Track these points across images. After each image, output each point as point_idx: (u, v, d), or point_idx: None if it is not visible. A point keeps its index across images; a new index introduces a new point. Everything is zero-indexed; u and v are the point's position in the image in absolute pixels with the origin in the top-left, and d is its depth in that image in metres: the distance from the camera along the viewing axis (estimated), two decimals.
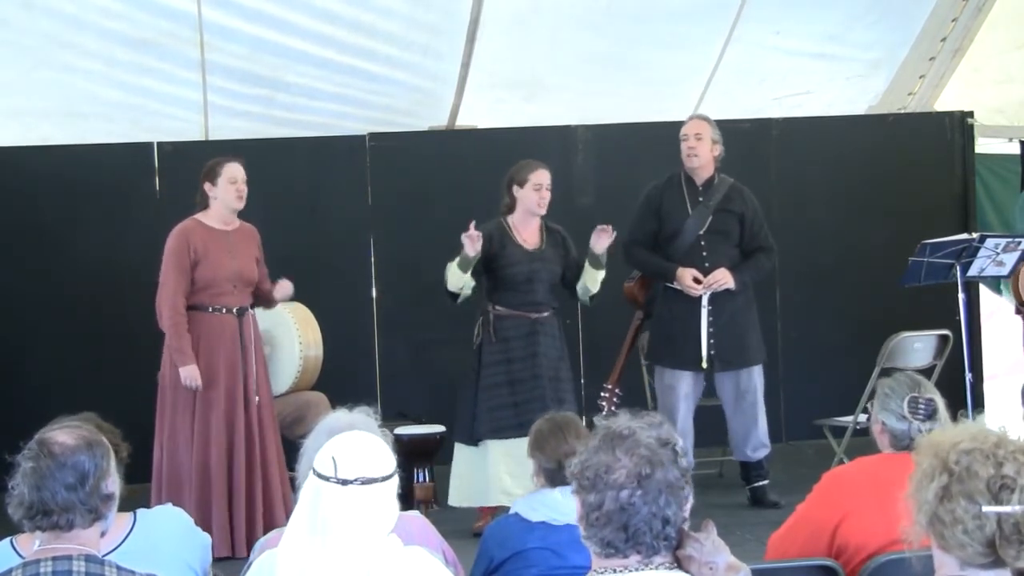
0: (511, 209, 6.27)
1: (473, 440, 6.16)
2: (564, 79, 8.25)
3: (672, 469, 2.24)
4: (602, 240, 6.13)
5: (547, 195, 6.22)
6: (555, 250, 6.28)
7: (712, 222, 6.54)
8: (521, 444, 5.99)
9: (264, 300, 6.25)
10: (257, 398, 5.99)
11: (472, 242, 5.99)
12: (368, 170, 8.11)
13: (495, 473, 6.07)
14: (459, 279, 6.11)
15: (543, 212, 6.24)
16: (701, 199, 6.56)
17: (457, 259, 6.07)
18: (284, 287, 6.25)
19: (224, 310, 5.95)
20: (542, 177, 6.21)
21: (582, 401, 6.18)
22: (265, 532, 5.84)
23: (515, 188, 6.23)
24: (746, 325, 6.57)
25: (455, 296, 6.22)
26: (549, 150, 8.03)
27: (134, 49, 7.39)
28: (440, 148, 8.25)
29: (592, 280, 6.24)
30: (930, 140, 8.70)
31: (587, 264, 6.22)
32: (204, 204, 6.02)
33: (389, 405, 7.40)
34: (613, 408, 6.38)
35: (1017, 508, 2.05)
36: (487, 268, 6.22)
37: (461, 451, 6.23)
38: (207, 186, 5.99)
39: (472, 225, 6.02)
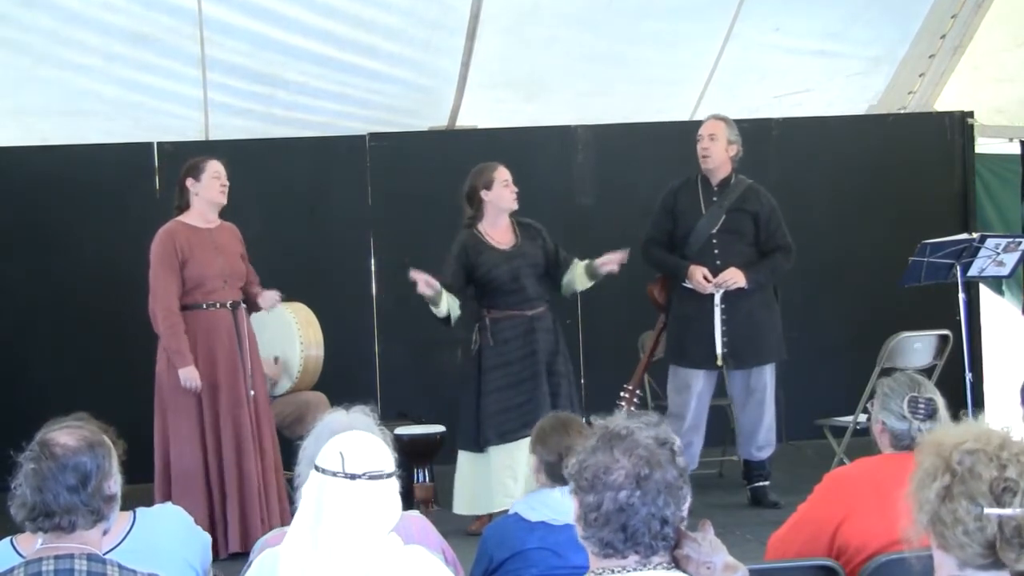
0: (476, 218, 6.27)
1: (479, 447, 6.15)
2: (564, 79, 8.25)
3: (670, 469, 2.23)
4: (611, 267, 6.19)
5: (515, 189, 6.25)
6: (532, 243, 6.28)
7: (725, 221, 6.55)
8: (525, 445, 6.06)
9: (249, 305, 6.19)
10: (252, 392, 5.99)
11: (424, 286, 5.98)
12: (368, 170, 8.11)
13: (498, 479, 6.07)
14: (439, 310, 6.14)
15: (517, 206, 6.26)
16: (715, 199, 6.57)
17: (426, 299, 6.09)
18: (270, 297, 6.17)
19: (218, 305, 5.94)
20: (506, 174, 6.25)
21: (581, 397, 6.19)
22: (263, 526, 5.88)
23: (484, 193, 6.23)
24: (761, 323, 6.57)
25: (447, 320, 6.22)
26: (549, 150, 8.06)
27: (134, 45, 7.39)
28: (440, 148, 8.25)
29: (582, 283, 6.31)
30: (930, 140, 8.70)
31: (583, 270, 6.25)
32: (185, 203, 6.01)
33: (389, 405, 7.41)
34: (633, 409, 6.38)
35: (1019, 511, 2.05)
36: (471, 279, 6.23)
37: (465, 457, 6.22)
38: (189, 182, 5.98)
39: (415, 276, 5.96)
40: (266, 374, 6.74)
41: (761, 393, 6.59)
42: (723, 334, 6.45)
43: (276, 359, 6.86)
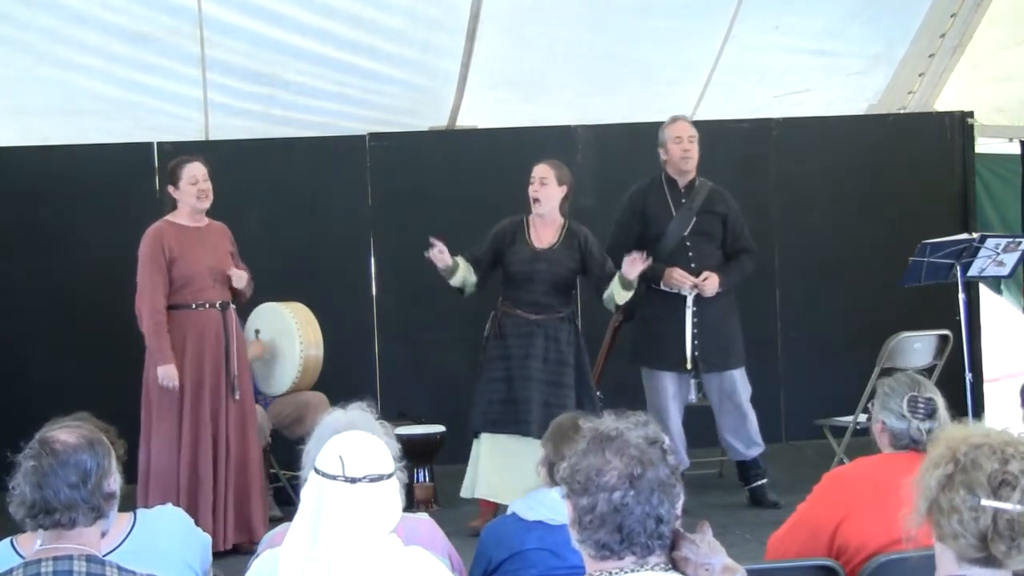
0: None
1: (473, 431, 6.20)
2: (564, 79, 8.25)
3: (662, 467, 2.23)
4: (635, 268, 6.06)
5: (541, 187, 6.19)
6: (569, 251, 6.23)
7: (696, 223, 6.56)
8: (512, 441, 6.07)
9: (237, 298, 6.16)
10: (238, 394, 5.98)
11: (437, 254, 6.05)
12: (368, 170, 8.11)
13: (484, 466, 6.13)
14: (452, 280, 6.21)
15: (539, 210, 6.21)
16: (684, 201, 6.57)
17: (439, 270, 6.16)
18: (237, 275, 6.08)
19: (208, 305, 5.94)
20: (534, 171, 6.24)
21: (598, 410, 6.18)
22: (239, 530, 5.87)
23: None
24: (728, 328, 6.59)
25: (461, 291, 6.29)
26: (549, 150, 8.02)
27: (134, 45, 7.39)
28: (440, 148, 8.25)
29: (620, 296, 6.19)
30: (930, 140, 8.70)
31: (618, 281, 6.14)
32: (173, 205, 6.02)
33: (389, 405, 7.41)
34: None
35: (1015, 506, 2.06)
36: (501, 264, 6.26)
37: (474, 444, 6.26)
38: (171, 189, 5.99)
39: (434, 241, 6.05)
40: (251, 354, 6.67)
41: (737, 397, 6.59)
42: (693, 337, 6.45)
43: (256, 332, 6.78)
